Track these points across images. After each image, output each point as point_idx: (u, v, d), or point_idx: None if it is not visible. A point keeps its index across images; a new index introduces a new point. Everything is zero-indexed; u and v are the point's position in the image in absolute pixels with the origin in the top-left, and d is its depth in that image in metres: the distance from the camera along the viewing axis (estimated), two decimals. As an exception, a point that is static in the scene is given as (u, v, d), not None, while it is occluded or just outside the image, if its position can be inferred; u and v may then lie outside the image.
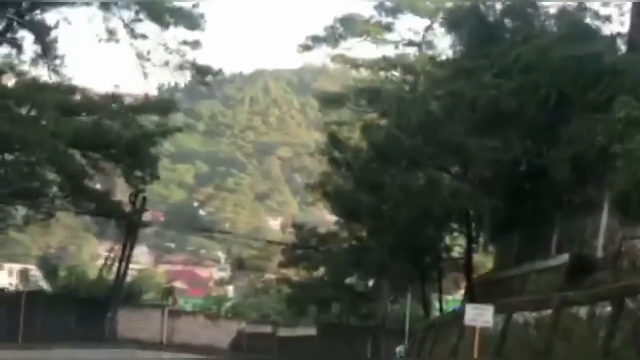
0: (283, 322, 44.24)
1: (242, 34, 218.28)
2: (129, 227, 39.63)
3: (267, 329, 43.14)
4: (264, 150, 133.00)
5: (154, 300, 48.52)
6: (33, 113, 30.94)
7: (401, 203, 21.79)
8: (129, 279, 43.21)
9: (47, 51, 31.33)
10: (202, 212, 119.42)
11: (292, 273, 46.06)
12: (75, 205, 38.26)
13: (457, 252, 31.04)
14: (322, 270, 43.46)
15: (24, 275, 41.73)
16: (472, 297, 23.97)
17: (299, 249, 44.03)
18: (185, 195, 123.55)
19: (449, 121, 21.41)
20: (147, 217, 43.29)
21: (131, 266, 42.59)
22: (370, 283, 42.39)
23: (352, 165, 29.39)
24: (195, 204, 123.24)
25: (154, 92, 35.22)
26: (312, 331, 40.31)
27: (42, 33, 31.57)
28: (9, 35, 30.83)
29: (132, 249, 40.57)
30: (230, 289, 75.36)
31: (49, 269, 42.09)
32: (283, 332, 42.14)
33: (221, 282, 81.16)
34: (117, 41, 34.95)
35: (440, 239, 27.41)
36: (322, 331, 39.72)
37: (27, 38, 31.59)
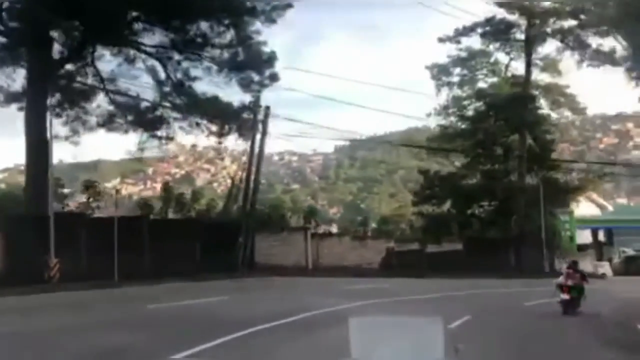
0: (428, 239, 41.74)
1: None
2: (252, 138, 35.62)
3: (415, 246, 40.72)
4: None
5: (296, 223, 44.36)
6: None
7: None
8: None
9: None
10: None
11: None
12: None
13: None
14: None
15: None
16: None
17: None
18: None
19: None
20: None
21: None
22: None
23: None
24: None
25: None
26: (458, 246, 37.51)
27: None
28: None
29: (259, 164, 36.50)
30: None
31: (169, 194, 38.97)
32: (431, 248, 39.94)
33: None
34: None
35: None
36: (467, 245, 37.06)
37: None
